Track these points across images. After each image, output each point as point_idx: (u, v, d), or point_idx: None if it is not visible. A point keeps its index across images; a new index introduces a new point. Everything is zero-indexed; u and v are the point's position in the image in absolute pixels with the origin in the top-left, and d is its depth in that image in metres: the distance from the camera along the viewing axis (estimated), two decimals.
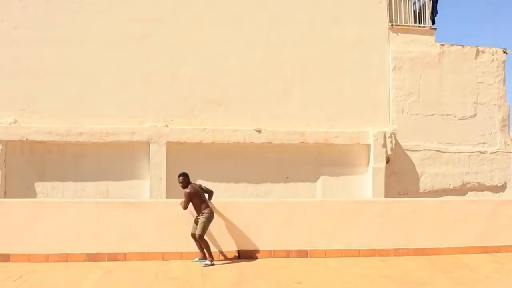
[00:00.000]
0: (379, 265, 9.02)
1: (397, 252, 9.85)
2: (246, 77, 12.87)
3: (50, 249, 9.13)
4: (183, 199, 8.97)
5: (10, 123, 11.85)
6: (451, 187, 13.63)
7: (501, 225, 10.35)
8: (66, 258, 9.11)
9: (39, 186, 11.99)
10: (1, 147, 11.69)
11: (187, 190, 8.94)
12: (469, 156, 13.76)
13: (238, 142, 12.49)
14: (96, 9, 12.46)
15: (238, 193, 12.51)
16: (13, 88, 12.03)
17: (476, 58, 14.10)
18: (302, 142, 12.75)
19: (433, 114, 13.68)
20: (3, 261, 8.93)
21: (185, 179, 9.12)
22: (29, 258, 9.04)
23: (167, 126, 12.32)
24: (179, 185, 12.07)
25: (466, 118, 13.91)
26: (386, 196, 12.69)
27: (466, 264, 9.14)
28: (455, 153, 13.67)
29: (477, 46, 14.12)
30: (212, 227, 9.18)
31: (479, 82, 14.05)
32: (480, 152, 13.89)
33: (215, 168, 12.51)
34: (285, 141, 12.66)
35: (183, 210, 8.98)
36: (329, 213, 9.95)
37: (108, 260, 9.14)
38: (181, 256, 9.34)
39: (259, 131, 12.52)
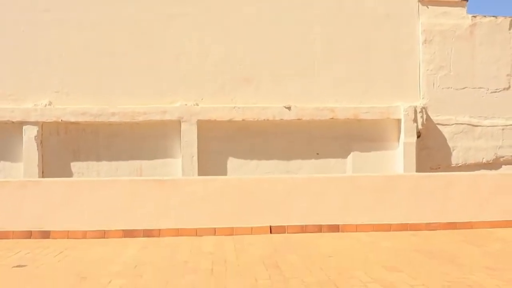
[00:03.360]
0: (411, 239, 9.05)
1: (429, 226, 9.86)
2: (275, 54, 12.87)
3: (88, 226, 9.43)
4: None
5: (46, 105, 12.13)
6: (484, 161, 13.46)
7: None
8: (103, 234, 9.40)
9: (74, 166, 12.29)
10: (37, 129, 12.01)
11: None
12: (503, 129, 13.55)
13: (268, 120, 12.55)
14: None
15: (269, 170, 12.61)
16: (48, 72, 12.29)
17: (510, 29, 13.78)
18: (332, 118, 12.73)
19: (464, 88, 13.48)
20: (44, 238, 9.27)
21: None
22: (68, 234, 9.36)
23: (197, 104, 12.44)
24: (210, 163, 12.33)
25: (499, 91, 13.66)
26: (417, 171, 12.62)
27: (500, 237, 9.10)
28: (488, 126, 13.47)
29: (511, 17, 13.79)
30: (244, 203, 9.32)
31: None
32: None
33: (245, 145, 12.62)
34: (315, 118, 12.66)
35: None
36: (360, 188, 9.99)
37: (143, 236, 9.40)
38: (214, 232, 9.53)
39: (289, 108, 12.55)
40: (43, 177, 11.89)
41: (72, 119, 12.09)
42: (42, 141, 12.14)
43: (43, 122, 12.10)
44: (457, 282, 6.21)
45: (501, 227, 9.84)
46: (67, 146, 12.30)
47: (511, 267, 6.93)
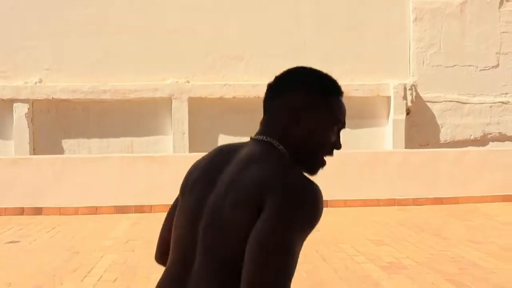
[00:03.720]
0: (398, 214, 9.23)
1: (416, 202, 10.04)
2: (265, 32, 12.88)
3: (80, 202, 9.53)
4: None
5: (36, 83, 12.12)
6: (472, 138, 13.61)
7: None
8: (95, 210, 9.52)
9: (65, 143, 12.33)
10: (28, 106, 12.01)
11: None
12: (491, 106, 13.68)
13: (258, 97, 12.56)
14: None
15: None
16: (38, 49, 12.25)
17: (500, 7, 13.82)
18: None
19: (454, 65, 13.56)
20: (36, 214, 9.37)
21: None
22: (60, 211, 9.46)
23: (188, 82, 12.48)
24: (201, 140, 12.38)
25: (488, 69, 13.76)
26: (406, 148, 12.76)
27: (484, 212, 9.30)
28: (476, 104, 13.59)
29: None
30: None
31: (503, 32, 13.81)
32: (502, 102, 13.78)
33: (236, 122, 12.69)
34: None
35: None
36: (348, 164, 10.14)
37: (134, 212, 9.52)
38: None
39: None
40: (34, 154, 11.94)
41: (63, 97, 12.10)
42: (32, 119, 12.15)
43: (34, 100, 12.10)
44: (440, 254, 6.39)
45: (486, 202, 10.04)
46: (58, 123, 12.32)
47: (492, 240, 7.12)
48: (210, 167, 1.68)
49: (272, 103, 1.75)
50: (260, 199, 1.46)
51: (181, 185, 1.77)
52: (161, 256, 1.84)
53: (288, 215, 1.45)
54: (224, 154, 1.70)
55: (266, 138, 1.64)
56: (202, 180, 1.66)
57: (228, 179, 1.56)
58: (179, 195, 1.78)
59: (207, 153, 1.84)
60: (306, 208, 1.53)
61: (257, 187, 1.48)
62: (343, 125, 1.74)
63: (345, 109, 1.79)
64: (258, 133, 1.70)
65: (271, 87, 1.81)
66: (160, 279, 1.71)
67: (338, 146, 1.79)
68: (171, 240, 1.69)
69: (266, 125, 1.71)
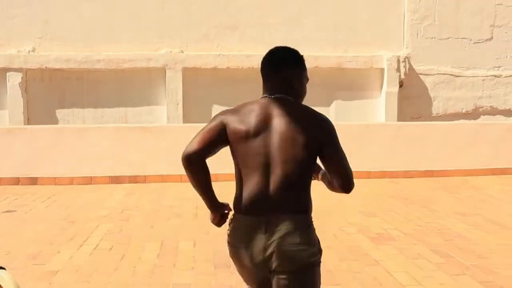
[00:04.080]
0: (389, 186, 9.40)
1: (407, 174, 10.20)
2: (260, 1, 12.82)
3: (75, 172, 9.64)
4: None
5: (29, 52, 12.08)
6: (463, 111, 13.73)
7: (510, 148, 10.59)
8: (90, 180, 9.63)
9: (60, 113, 12.36)
10: (21, 75, 11.99)
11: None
12: (483, 80, 13.76)
13: (253, 67, 12.59)
14: None
15: None
16: (30, 17, 12.17)
17: None
18: (316, 67, 12.82)
19: (448, 38, 13.59)
20: (32, 184, 9.48)
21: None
22: (55, 181, 9.57)
23: (182, 52, 12.46)
24: (195, 110, 12.45)
25: (482, 41, 13.80)
26: (399, 120, 12.87)
27: (473, 185, 9.48)
28: (469, 77, 13.66)
29: None
30: (228, 150, 9.54)
31: (497, 4, 13.80)
32: (495, 76, 13.86)
33: (230, 93, 12.71)
34: None
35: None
36: (341, 137, 10.13)
37: (129, 182, 9.65)
38: None
39: None
40: (28, 124, 11.98)
41: (57, 66, 12.07)
42: (26, 88, 12.15)
43: (27, 69, 12.07)
44: (427, 226, 6.56)
45: (475, 175, 10.21)
46: (52, 93, 12.32)
47: (479, 212, 7.30)
48: (259, 121, 2.52)
49: (274, 76, 2.67)
50: (322, 135, 2.61)
51: (236, 133, 2.53)
52: (203, 154, 2.59)
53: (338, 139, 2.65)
54: (262, 110, 2.57)
55: (280, 95, 2.62)
56: (259, 130, 2.50)
57: (283, 127, 2.50)
58: (230, 138, 2.55)
59: (238, 108, 2.67)
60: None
61: (319, 128, 2.61)
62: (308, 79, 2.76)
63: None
64: (270, 93, 2.65)
65: (269, 65, 2.71)
66: (245, 187, 2.53)
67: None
68: (245, 165, 2.52)
69: (273, 88, 2.65)
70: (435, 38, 13.57)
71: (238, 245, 2.50)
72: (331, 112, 13.13)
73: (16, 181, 9.54)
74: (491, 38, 13.83)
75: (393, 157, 10.27)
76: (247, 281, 2.57)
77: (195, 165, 2.58)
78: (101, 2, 12.29)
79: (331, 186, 2.69)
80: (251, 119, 2.52)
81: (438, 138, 10.49)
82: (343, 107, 13.19)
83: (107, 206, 7.80)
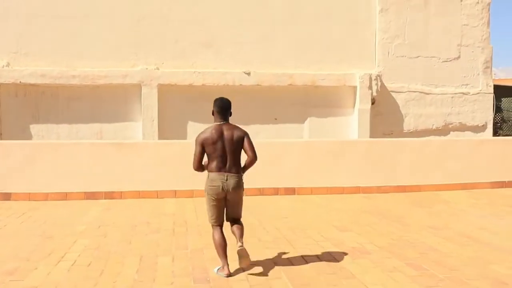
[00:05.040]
0: (362, 201, 9.58)
1: (380, 189, 10.40)
2: (235, 20, 13.01)
3: (50, 188, 9.57)
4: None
5: (3, 66, 12.00)
6: (434, 127, 14.08)
7: (479, 163, 10.91)
8: (65, 196, 9.57)
9: (34, 128, 12.28)
10: None
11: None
12: (452, 97, 14.16)
13: (227, 85, 12.76)
14: None
15: None
16: (5, 31, 12.11)
17: (461, 1, 14.26)
18: (290, 84, 13.05)
19: (418, 56, 13.97)
20: (5, 200, 9.38)
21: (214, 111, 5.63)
22: (30, 196, 9.49)
23: (158, 69, 12.54)
24: (170, 127, 12.49)
25: (450, 60, 14.22)
26: (371, 136, 13.14)
27: (444, 200, 9.72)
28: (439, 94, 14.05)
29: None
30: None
31: (464, 25, 14.27)
32: (463, 93, 14.28)
33: (205, 109, 12.63)
34: (273, 83, 12.95)
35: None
36: (315, 153, 10.42)
37: (105, 198, 9.62)
38: (175, 194, 9.83)
39: (248, 74, 12.79)
40: (1, 139, 11.86)
41: (31, 81, 12.02)
42: (0, 103, 12.05)
43: (1, 84, 11.99)
44: (401, 239, 6.73)
45: (446, 190, 10.48)
46: (26, 108, 12.25)
47: (451, 226, 7.51)
48: (217, 135, 5.39)
49: (222, 112, 5.49)
50: (243, 137, 5.47)
51: (206, 142, 5.41)
52: (199, 167, 5.52)
53: (250, 139, 5.53)
54: (217, 130, 5.42)
55: (225, 121, 5.50)
56: (218, 139, 5.40)
57: (231, 137, 5.41)
58: (204, 146, 5.42)
59: (208, 130, 5.46)
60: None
61: (242, 134, 5.47)
62: None
63: None
64: (223, 120, 5.49)
65: (220, 107, 5.50)
66: (213, 169, 5.43)
67: None
68: (211, 157, 5.43)
69: (221, 118, 5.49)
70: (405, 56, 13.94)
71: (214, 183, 5.42)
72: (305, 128, 13.33)
73: None
74: (459, 57, 14.26)
75: (366, 173, 10.47)
76: (213, 200, 5.50)
77: (199, 170, 5.62)
78: (77, 17, 12.31)
79: (249, 160, 5.55)
80: (213, 134, 5.43)
81: (409, 154, 10.74)
82: (316, 123, 13.40)
83: (83, 222, 7.77)
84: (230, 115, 5.53)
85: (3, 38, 12.11)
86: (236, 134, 5.41)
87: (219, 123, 5.43)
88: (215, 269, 5.40)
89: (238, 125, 5.51)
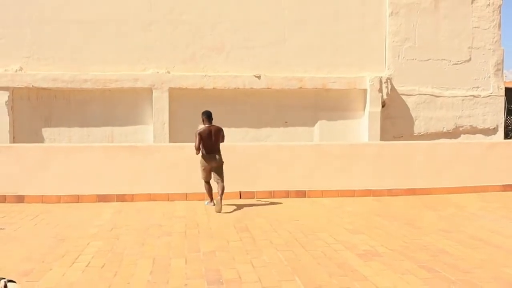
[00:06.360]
0: (373, 204, 9.58)
1: (391, 192, 10.40)
2: (245, 24, 13.08)
3: (62, 190, 9.66)
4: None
5: (16, 71, 12.14)
6: (444, 130, 14.06)
7: (490, 166, 10.88)
8: (77, 199, 9.65)
9: (46, 132, 12.40)
10: (8, 94, 12.03)
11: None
12: (463, 100, 14.14)
13: (238, 88, 12.83)
14: None
15: (239, 138, 12.95)
16: (18, 36, 12.26)
17: (472, 3, 14.24)
18: (300, 88, 13.09)
19: (428, 59, 13.97)
20: (18, 202, 9.48)
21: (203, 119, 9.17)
22: (42, 199, 9.58)
23: (169, 72, 12.62)
24: (181, 130, 12.54)
25: (461, 63, 14.20)
26: (381, 139, 13.15)
27: (455, 203, 9.70)
28: (449, 97, 14.03)
29: None
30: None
31: (475, 27, 14.25)
32: (474, 96, 14.25)
33: (216, 113, 12.72)
34: (284, 87, 13.00)
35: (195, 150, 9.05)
36: (326, 156, 10.44)
37: (117, 201, 9.69)
38: (186, 197, 9.88)
39: (259, 77, 12.84)
40: (14, 142, 11.98)
41: (44, 85, 12.15)
42: (13, 107, 12.18)
43: (14, 88, 12.13)
44: (413, 242, 6.73)
45: (456, 193, 10.45)
46: (39, 112, 12.38)
47: (462, 229, 7.50)
48: (208, 132, 9.05)
49: (208, 119, 9.19)
50: (220, 130, 9.18)
51: (202, 135, 9.00)
52: (198, 149, 9.02)
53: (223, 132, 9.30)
54: (208, 128, 9.10)
55: (212, 124, 9.19)
56: (209, 135, 9.05)
57: (215, 132, 9.10)
58: (200, 138, 8.98)
59: (203, 128, 9.10)
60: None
61: (220, 129, 9.18)
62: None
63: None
64: (209, 123, 9.15)
65: (207, 116, 9.22)
66: (204, 152, 9.06)
67: None
68: (204, 144, 8.99)
69: (210, 122, 9.18)
70: (415, 59, 13.94)
71: (206, 160, 9.03)
72: (315, 132, 13.35)
73: (3, 199, 9.53)
74: (470, 59, 14.23)
75: (376, 176, 10.47)
76: (204, 168, 9.12)
77: (197, 152, 9.01)
78: (88, 22, 12.42)
79: (222, 142, 9.24)
80: (206, 130, 9.02)
81: (420, 157, 10.73)
82: (327, 127, 13.42)
83: (96, 224, 7.83)
84: (213, 119, 9.18)
85: (16, 43, 12.25)
86: (217, 129, 9.08)
87: (208, 125, 9.08)
88: (205, 202, 9.45)
89: (219, 125, 9.22)
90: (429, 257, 6.06)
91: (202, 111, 9.27)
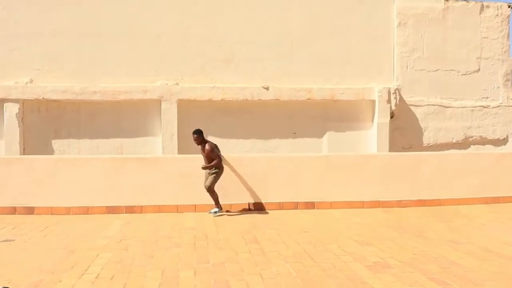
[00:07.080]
0: (382, 216, 9.53)
1: (400, 204, 10.34)
2: (254, 35, 13.14)
3: (72, 202, 9.68)
4: (204, 154, 9.59)
5: (27, 83, 12.24)
6: (454, 141, 14.01)
7: (500, 177, 10.79)
8: (86, 210, 9.68)
9: (56, 143, 12.48)
10: (18, 106, 12.13)
11: (211, 144, 9.58)
12: (472, 110, 14.09)
13: (246, 99, 12.86)
14: None
15: (247, 149, 12.97)
16: (28, 49, 12.39)
17: (480, 13, 14.24)
18: (309, 99, 13.10)
19: (437, 70, 13.95)
20: (28, 214, 9.52)
21: (198, 137, 9.60)
22: (52, 211, 9.61)
23: (177, 84, 12.68)
24: (190, 141, 12.55)
25: (470, 73, 14.17)
26: (390, 150, 13.12)
27: (465, 214, 9.63)
28: (458, 107, 14.00)
29: (481, 1, 14.25)
30: (223, 181, 9.66)
31: (483, 37, 14.24)
32: (483, 106, 14.21)
33: (224, 124, 12.94)
34: (292, 98, 13.02)
35: (214, 164, 9.42)
36: (334, 167, 10.41)
37: (126, 213, 9.71)
38: (195, 208, 9.88)
39: (267, 88, 12.87)
40: (24, 154, 12.06)
41: (53, 97, 12.25)
42: (23, 119, 12.28)
43: (24, 100, 12.23)
44: (423, 254, 6.68)
45: (466, 204, 10.38)
46: (48, 123, 12.47)
47: (472, 241, 7.44)
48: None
49: (202, 137, 9.66)
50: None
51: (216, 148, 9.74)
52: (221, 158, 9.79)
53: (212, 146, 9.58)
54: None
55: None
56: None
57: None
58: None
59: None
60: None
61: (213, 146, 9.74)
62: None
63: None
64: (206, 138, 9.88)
65: (199, 134, 9.66)
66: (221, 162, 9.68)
67: None
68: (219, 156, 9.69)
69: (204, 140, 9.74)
70: (424, 70, 13.93)
71: (222, 170, 9.70)
72: (324, 143, 13.35)
73: (13, 210, 9.57)
74: (478, 69, 14.21)
75: (386, 187, 10.43)
76: (219, 178, 9.58)
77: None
78: (98, 35, 12.53)
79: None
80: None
81: (429, 168, 10.67)
82: (335, 138, 13.41)
83: (105, 236, 7.85)
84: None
85: (26, 56, 12.37)
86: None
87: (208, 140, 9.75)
88: (213, 211, 9.52)
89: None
90: (440, 269, 6.01)
91: (195, 130, 9.71)
